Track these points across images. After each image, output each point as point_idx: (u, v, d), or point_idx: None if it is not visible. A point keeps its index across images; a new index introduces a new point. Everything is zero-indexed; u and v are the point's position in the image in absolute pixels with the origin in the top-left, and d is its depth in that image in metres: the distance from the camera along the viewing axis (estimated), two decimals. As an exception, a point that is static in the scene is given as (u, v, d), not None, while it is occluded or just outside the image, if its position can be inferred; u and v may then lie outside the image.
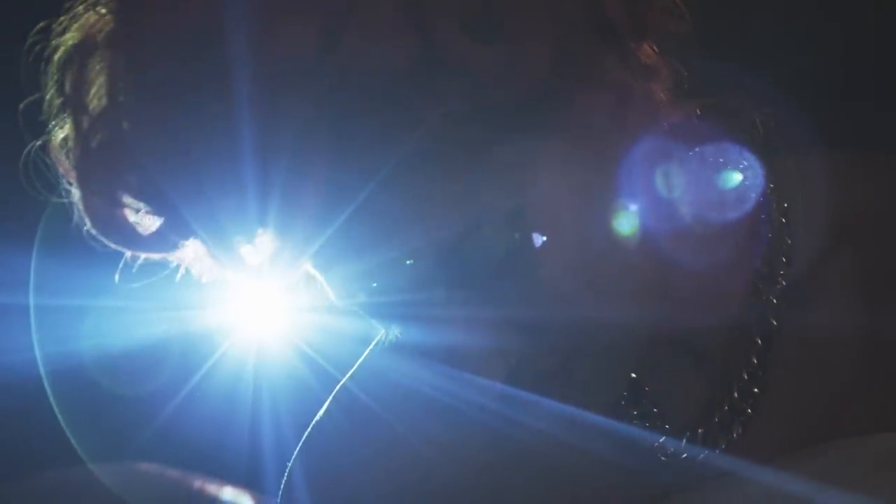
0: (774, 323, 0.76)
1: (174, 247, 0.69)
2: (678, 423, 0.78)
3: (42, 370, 1.64)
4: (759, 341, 0.76)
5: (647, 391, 0.78)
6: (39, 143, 0.73)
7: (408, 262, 0.66)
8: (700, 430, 0.77)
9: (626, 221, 0.70)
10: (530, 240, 0.65)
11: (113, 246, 0.71)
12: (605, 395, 0.77)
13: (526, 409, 0.76)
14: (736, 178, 0.76)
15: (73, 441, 1.58)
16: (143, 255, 0.72)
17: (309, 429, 0.84)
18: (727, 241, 0.76)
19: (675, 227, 0.75)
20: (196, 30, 0.62)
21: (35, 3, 0.74)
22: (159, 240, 0.69)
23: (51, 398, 1.62)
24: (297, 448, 0.84)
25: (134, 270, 0.74)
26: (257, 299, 1.77)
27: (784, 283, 0.77)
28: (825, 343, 0.76)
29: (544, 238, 0.65)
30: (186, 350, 1.73)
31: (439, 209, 0.65)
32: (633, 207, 0.70)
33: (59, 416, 1.60)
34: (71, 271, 1.65)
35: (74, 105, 0.69)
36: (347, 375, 0.84)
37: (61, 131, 0.72)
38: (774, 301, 0.76)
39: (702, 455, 0.77)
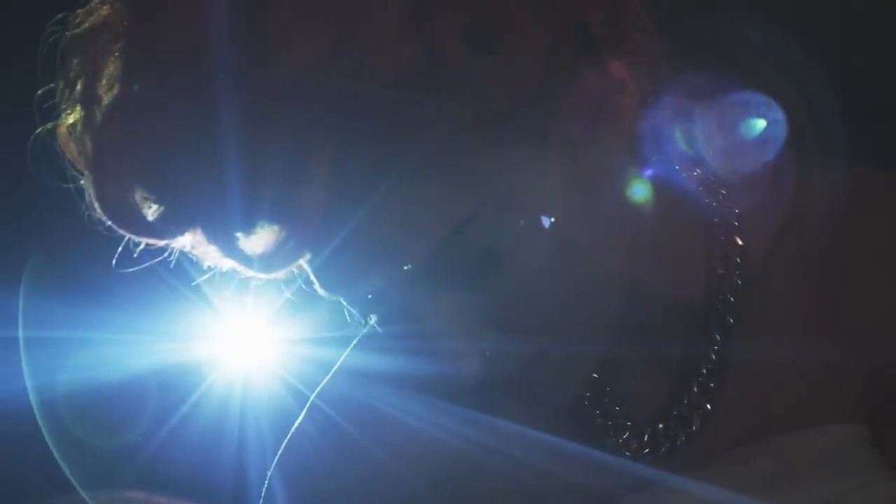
0: (732, 321, 0.80)
1: (179, 234, 0.69)
2: (639, 419, 0.81)
3: (33, 400, 1.65)
4: (719, 337, 0.80)
5: (608, 391, 0.82)
6: (47, 128, 0.74)
7: (406, 267, 0.69)
8: (660, 426, 0.81)
9: (629, 201, 0.74)
10: (513, 241, 0.69)
11: (121, 231, 0.71)
12: (570, 393, 0.80)
13: (482, 427, 0.80)
14: (759, 125, 0.79)
15: (64, 470, 1.60)
16: (147, 241, 0.72)
17: (284, 443, 0.87)
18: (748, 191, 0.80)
19: (702, 182, 0.79)
20: (211, 26, 0.64)
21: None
22: (165, 226, 0.69)
23: (42, 428, 1.63)
24: (275, 461, 0.87)
25: (133, 258, 0.74)
26: (244, 331, 1.80)
27: (739, 282, 0.80)
28: (778, 339, 0.80)
29: (527, 240, 0.69)
30: (174, 381, 1.75)
31: (432, 212, 0.68)
32: (645, 180, 0.74)
33: (51, 446, 1.62)
34: (61, 304, 1.67)
35: (86, 93, 0.70)
36: (316, 392, 0.87)
37: (69, 118, 0.72)
38: (732, 300, 0.80)
39: (662, 449, 0.80)
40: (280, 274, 0.72)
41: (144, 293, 1.55)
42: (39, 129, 0.74)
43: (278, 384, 1.54)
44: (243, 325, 1.75)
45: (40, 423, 1.63)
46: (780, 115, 0.80)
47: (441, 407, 0.79)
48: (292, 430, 0.87)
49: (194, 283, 0.79)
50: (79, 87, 0.70)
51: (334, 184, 0.65)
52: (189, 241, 0.70)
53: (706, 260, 0.80)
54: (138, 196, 0.67)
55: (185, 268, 0.78)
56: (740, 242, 0.80)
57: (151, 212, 0.68)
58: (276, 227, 0.66)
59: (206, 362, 1.78)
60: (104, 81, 0.69)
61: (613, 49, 0.71)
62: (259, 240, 0.67)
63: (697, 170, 0.79)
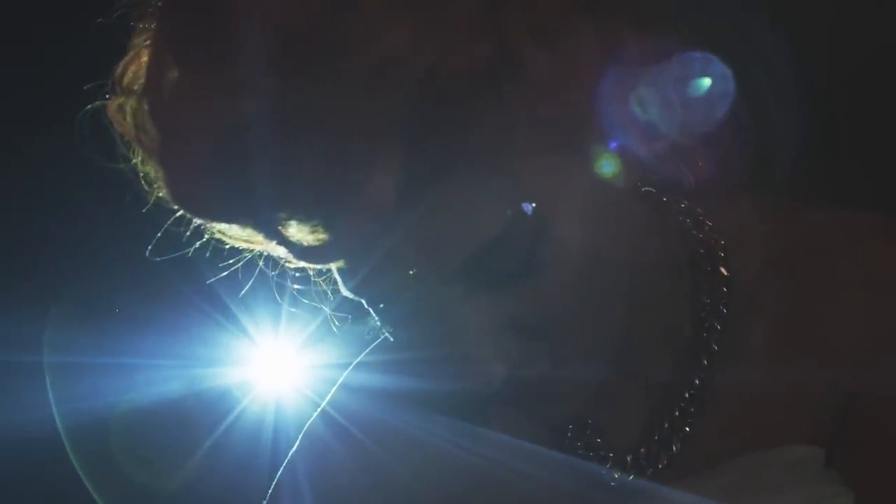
0: (716, 348, 0.81)
1: (242, 218, 0.68)
2: (621, 447, 0.83)
3: (64, 427, 1.66)
4: (706, 363, 0.81)
5: (589, 423, 0.83)
6: (95, 106, 0.73)
7: (411, 271, 0.68)
8: (642, 450, 0.82)
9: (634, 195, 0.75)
10: (551, 245, 0.69)
11: (182, 211, 0.70)
12: (571, 409, 0.81)
13: (485, 441, 0.82)
14: (706, 83, 0.79)
15: (96, 497, 1.60)
16: (205, 222, 0.71)
17: (298, 443, 0.89)
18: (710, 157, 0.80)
19: (690, 213, 0.82)
20: (294, 13, 0.63)
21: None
22: (223, 209, 0.68)
23: (72, 455, 1.64)
24: (290, 457, 0.89)
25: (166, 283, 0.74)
26: (277, 356, 1.80)
27: (725, 311, 0.82)
28: (754, 365, 0.81)
29: (563, 244, 0.70)
30: (207, 405, 1.75)
31: (477, 215, 0.68)
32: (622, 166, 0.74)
33: (81, 472, 1.62)
34: (95, 329, 1.68)
35: (150, 72, 0.68)
36: (326, 400, 0.88)
37: (123, 97, 0.71)
38: (718, 327, 0.81)
39: (648, 473, 0.81)
40: (331, 265, 0.71)
41: (178, 319, 1.55)
42: (88, 107, 0.73)
43: (310, 408, 1.53)
44: (276, 350, 1.75)
45: (69, 450, 1.64)
46: (727, 71, 0.79)
47: (446, 419, 0.81)
48: (303, 430, 0.88)
49: (228, 309, 0.78)
50: (135, 65, 0.70)
51: (405, 176, 0.65)
52: (239, 231, 0.70)
53: (690, 287, 0.82)
54: (202, 177, 0.66)
55: (219, 294, 0.78)
56: (726, 273, 0.82)
57: (213, 193, 0.67)
58: (330, 224, 0.66)
59: (238, 387, 1.78)
60: (165, 61, 0.67)
61: (641, 60, 0.72)
62: (308, 233, 0.67)
63: (710, 66, 0.79)
